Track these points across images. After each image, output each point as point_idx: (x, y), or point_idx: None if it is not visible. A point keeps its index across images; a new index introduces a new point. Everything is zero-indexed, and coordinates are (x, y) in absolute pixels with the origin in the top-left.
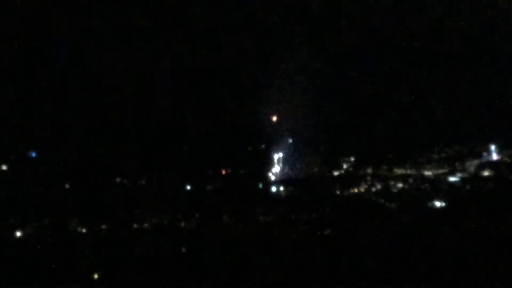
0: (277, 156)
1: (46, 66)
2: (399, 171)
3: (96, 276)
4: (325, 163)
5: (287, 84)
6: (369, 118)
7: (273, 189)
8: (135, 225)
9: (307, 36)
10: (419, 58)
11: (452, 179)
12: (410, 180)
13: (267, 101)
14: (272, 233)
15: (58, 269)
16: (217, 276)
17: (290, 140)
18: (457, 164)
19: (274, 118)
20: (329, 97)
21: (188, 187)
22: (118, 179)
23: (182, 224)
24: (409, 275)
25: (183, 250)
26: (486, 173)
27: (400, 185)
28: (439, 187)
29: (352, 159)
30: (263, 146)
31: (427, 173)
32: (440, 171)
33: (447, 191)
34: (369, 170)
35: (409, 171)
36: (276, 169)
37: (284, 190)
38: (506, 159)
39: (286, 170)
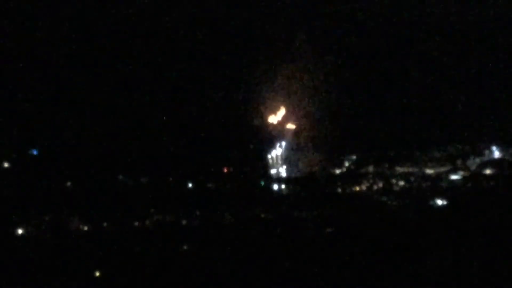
0: (279, 154)
1: (47, 63)
2: (400, 169)
3: (97, 274)
4: (326, 161)
5: (289, 82)
6: (371, 116)
7: (275, 187)
8: (136, 223)
9: (309, 34)
10: (421, 56)
11: (453, 177)
12: (412, 178)
13: (270, 99)
14: (274, 231)
15: (60, 266)
16: (218, 274)
17: (292, 138)
18: (459, 162)
19: (276, 116)
20: (331, 95)
21: (190, 185)
22: (120, 177)
23: (184, 222)
24: (410, 273)
25: (185, 247)
26: (488, 171)
27: (401, 183)
28: (440, 185)
29: (354, 157)
30: (265, 144)
31: (429, 171)
32: (442, 169)
33: (449, 189)
34: (371, 168)
35: (410, 169)
36: (278, 167)
37: (285, 188)
38: (508, 157)
39: (288, 168)
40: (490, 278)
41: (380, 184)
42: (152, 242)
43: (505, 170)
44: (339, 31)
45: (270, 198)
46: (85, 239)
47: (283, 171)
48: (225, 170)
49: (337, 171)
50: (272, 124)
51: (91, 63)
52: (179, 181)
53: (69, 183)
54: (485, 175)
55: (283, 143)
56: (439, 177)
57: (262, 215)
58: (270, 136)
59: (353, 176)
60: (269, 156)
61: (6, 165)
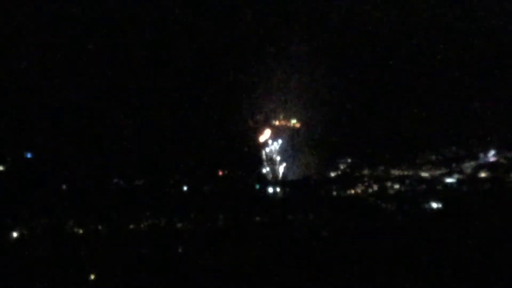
0: (274, 157)
1: (42, 67)
2: (396, 172)
3: (92, 277)
4: (322, 164)
5: (285, 86)
6: (366, 119)
7: (270, 190)
8: (131, 226)
9: (306, 38)
10: (416, 60)
11: (448, 180)
12: (407, 181)
13: (265, 103)
14: (269, 234)
15: (55, 269)
16: (213, 276)
17: (288, 142)
18: (454, 165)
19: (272, 120)
20: (327, 99)
21: (185, 188)
22: (115, 180)
23: (179, 224)
24: (406, 275)
25: (179, 250)
26: (482, 175)
27: (396, 186)
28: (436, 188)
29: (349, 160)
30: (260, 147)
31: (424, 174)
32: (437, 172)
33: (444, 192)
34: (366, 171)
35: (406, 172)
36: (273, 170)
37: (280, 191)
38: (502, 160)
39: (283, 171)
40: (485, 280)
41: (375, 187)
42: (147, 245)
43: (499, 173)
44: (336, 36)
45: (265, 201)
46: (80, 242)
47: (278, 174)
48: (220, 173)
49: (332, 174)
50: (267, 127)
51: (86, 69)
52: (174, 184)
53: (64, 186)
54: (480, 178)
55: (278, 146)
56: (434, 180)
57: (257, 218)
58: (266, 140)
59: (348, 179)
60: (264, 159)
61: (1, 168)
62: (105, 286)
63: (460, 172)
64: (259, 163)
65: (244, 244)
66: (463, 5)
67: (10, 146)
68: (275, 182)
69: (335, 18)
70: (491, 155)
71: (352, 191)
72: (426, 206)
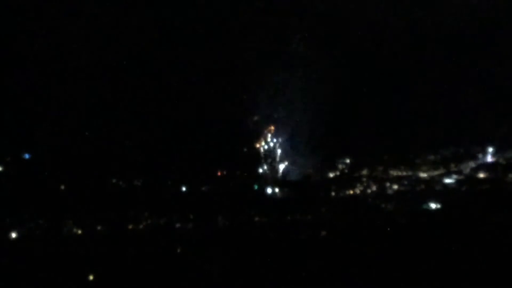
0: (273, 157)
1: (40, 66)
2: (394, 172)
3: (91, 278)
4: (320, 164)
5: (283, 86)
6: (365, 119)
7: (269, 190)
8: (130, 226)
9: (304, 38)
10: (415, 59)
11: (447, 180)
12: (406, 182)
13: (264, 102)
14: (267, 235)
15: (54, 270)
16: (212, 277)
17: (286, 142)
18: (452, 165)
19: (270, 120)
20: (325, 99)
21: (184, 189)
22: (113, 180)
23: (177, 225)
24: (404, 276)
25: (178, 250)
26: (481, 175)
27: (395, 186)
28: (434, 188)
29: (348, 160)
30: (259, 147)
31: (423, 174)
32: (436, 172)
33: (443, 193)
34: (365, 172)
35: (404, 173)
36: (272, 170)
37: (279, 191)
38: (501, 161)
39: (281, 172)
40: (485, 280)
41: (374, 188)
42: (145, 245)
43: (498, 174)
44: (334, 35)
45: (263, 201)
46: (79, 242)
47: (277, 175)
48: (219, 174)
49: (331, 175)
50: (266, 127)
51: (83, 68)
52: (173, 184)
53: (62, 187)
54: (479, 179)
55: (277, 147)
56: (433, 181)
57: (256, 218)
58: (265, 140)
59: (347, 180)
60: (263, 159)
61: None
62: (104, 287)
63: (459, 172)
64: (258, 163)
65: (242, 245)
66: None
67: (8, 146)
68: (274, 182)
69: (338, 15)
70: (490, 156)
71: (351, 192)
72: (425, 206)
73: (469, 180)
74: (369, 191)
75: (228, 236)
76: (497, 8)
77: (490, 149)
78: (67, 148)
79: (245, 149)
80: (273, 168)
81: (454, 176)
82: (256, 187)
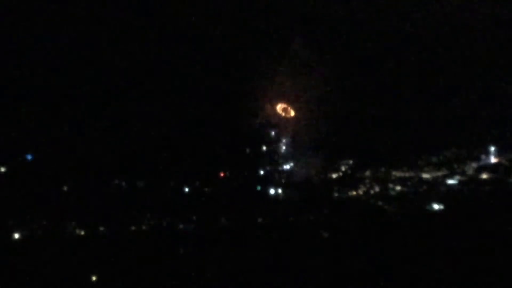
0: (276, 159)
1: (40, 67)
2: (397, 173)
3: (94, 278)
4: (323, 165)
5: (286, 86)
6: (368, 121)
7: (272, 191)
8: (132, 227)
9: (308, 36)
10: (417, 60)
11: (450, 181)
12: (409, 183)
13: (266, 103)
14: (270, 235)
15: (56, 271)
16: (215, 278)
17: (289, 143)
18: (455, 166)
19: (273, 121)
20: (328, 100)
21: (186, 190)
22: (116, 181)
23: (180, 226)
24: (407, 277)
25: (181, 251)
26: (484, 176)
27: (398, 187)
28: (437, 189)
29: (351, 161)
30: (262, 148)
31: (426, 175)
32: (439, 173)
33: (446, 194)
34: (368, 173)
35: (407, 174)
36: (275, 171)
37: (282, 192)
38: (504, 161)
39: (284, 173)
40: (486, 281)
41: (377, 189)
42: (148, 246)
43: (501, 175)
44: (338, 35)
45: (266, 202)
46: (81, 243)
47: (280, 176)
48: (222, 175)
49: (334, 176)
50: (269, 128)
51: (83, 68)
52: (175, 185)
53: (65, 188)
54: (482, 180)
55: (280, 148)
56: (435, 182)
57: (259, 220)
58: (267, 141)
59: (349, 181)
60: (265, 161)
61: (2, 169)
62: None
63: (462, 173)
64: (261, 164)
65: (245, 245)
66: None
67: (11, 148)
68: (276, 183)
69: (340, 16)
70: (493, 157)
71: (354, 193)
72: (428, 207)
73: (472, 181)
74: (372, 192)
75: (231, 237)
76: (498, 8)
77: (493, 150)
78: (69, 149)
79: (247, 150)
80: (276, 169)
81: (457, 177)
82: (259, 188)
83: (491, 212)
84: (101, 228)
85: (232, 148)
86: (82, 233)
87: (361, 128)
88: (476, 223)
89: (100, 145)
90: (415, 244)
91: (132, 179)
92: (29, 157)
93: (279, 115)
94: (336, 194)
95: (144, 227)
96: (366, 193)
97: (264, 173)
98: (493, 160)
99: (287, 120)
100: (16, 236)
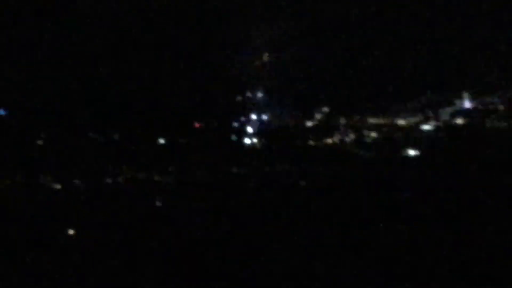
0: (250, 108)
1: (13, 21)
2: (372, 120)
3: (71, 232)
4: (298, 114)
5: (262, 33)
6: (341, 68)
7: (247, 141)
8: (108, 180)
9: None
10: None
11: (425, 127)
12: (384, 129)
13: (241, 51)
14: (246, 185)
15: (33, 225)
16: (193, 231)
17: (263, 91)
18: (429, 112)
19: (248, 70)
20: (303, 47)
21: (162, 141)
22: (91, 134)
23: (156, 178)
24: (386, 225)
25: (158, 204)
26: (459, 121)
27: (373, 134)
28: (412, 135)
29: (325, 109)
30: (237, 98)
31: (400, 122)
32: (413, 119)
33: (421, 140)
34: (343, 120)
35: (382, 121)
36: (250, 120)
37: (258, 142)
38: (479, 106)
39: (259, 122)
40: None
41: (352, 136)
42: (125, 199)
43: (476, 120)
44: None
45: (242, 152)
46: (57, 197)
47: (255, 125)
48: (197, 126)
49: (309, 124)
50: (242, 77)
51: (61, 19)
52: (151, 137)
53: (39, 142)
54: (457, 125)
55: (255, 96)
56: (410, 128)
57: (234, 169)
58: (242, 89)
59: (324, 128)
60: (240, 110)
61: None
62: (84, 241)
63: (436, 119)
64: (236, 114)
65: (222, 195)
66: None
67: None
68: (252, 133)
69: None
70: (468, 101)
71: (330, 140)
72: (404, 153)
73: (447, 126)
74: (347, 139)
75: (208, 188)
76: None
77: (468, 95)
78: (43, 103)
79: (222, 100)
80: (251, 119)
81: (432, 123)
82: (234, 138)
83: (467, 156)
84: (77, 181)
85: (207, 98)
86: (59, 187)
87: (336, 75)
88: (452, 168)
89: (74, 98)
90: (392, 189)
91: (107, 131)
92: (1, 112)
93: (255, 64)
94: (311, 143)
95: (120, 180)
96: (342, 140)
97: (240, 123)
98: (468, 105)
99: (262, 67)
100: None
